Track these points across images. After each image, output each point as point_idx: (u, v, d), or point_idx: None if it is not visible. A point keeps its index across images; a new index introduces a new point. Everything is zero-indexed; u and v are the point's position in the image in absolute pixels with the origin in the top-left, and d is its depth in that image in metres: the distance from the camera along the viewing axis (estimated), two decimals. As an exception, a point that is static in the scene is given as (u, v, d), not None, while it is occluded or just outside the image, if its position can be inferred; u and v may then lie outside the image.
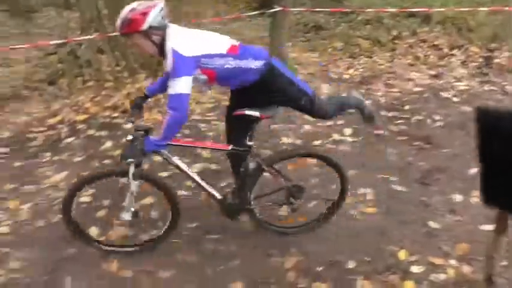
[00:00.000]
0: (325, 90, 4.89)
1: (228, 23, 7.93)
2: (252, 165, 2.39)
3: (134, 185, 2.22)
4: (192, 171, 2.39)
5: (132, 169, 2.16)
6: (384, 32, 6.79)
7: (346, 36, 6.74)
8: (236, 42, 2.17)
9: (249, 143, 2.32)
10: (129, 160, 2.12)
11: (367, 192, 3.06)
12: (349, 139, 3.88)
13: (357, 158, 3.54)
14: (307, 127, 4.07)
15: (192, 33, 2.13)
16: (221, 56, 2.07)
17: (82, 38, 5.15)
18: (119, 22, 2.02)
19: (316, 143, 3.79)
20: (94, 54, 5.31)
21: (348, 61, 5.99)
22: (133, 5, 2.04)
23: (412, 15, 7.00)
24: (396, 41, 6.56)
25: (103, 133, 3.92)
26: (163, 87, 2.36)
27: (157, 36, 2.05)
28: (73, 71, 5.24)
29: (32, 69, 5.71)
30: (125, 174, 2.20)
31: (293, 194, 2.52)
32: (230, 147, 2.36)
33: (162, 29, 2.04)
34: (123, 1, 5.16)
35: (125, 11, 2.01)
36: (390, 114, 4.37)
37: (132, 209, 2.28)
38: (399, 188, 3.13)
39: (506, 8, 6.29)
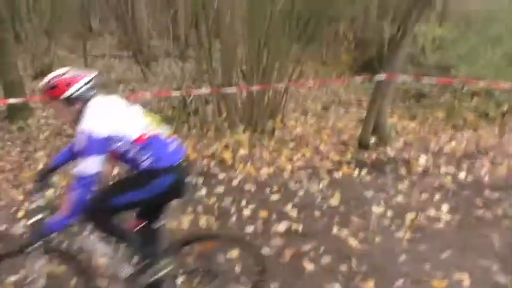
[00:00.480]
0: (422, 160, 4.70)
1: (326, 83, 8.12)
2: (155, 246, 2.24)
3: (42, 260, 2.16)
4: (103, 245, 2.22)
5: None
6: (493, 105, 6.42)
7: (450, 106, 6.50)
8: (150, 132, 2.07)
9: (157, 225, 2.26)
10: (38, 244, 2.09)
11: (464, 278, 2.81)
12: (446, 216, 3.63)
13: (454, 239, 3.29)
14: (400, 198, 3.93)
15: (112, 110, 2.08)
16: (128, 142, 2.03)
17: (197, 90, 5.64)
18: (42, 83, 2.05)
19: (409, 216, 3.61)
20: (202, 104, 5.81)
21: (450, 133, 5.72)
22: (63, 70, 2.07)
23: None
24: (507, 116, 6.14)
25: (199, 180, 4.17)
26: (71, 156, 2.29)
27: (77, 106, 2.05)
28: (181, 118, 5.76)
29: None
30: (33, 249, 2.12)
31: (204, 277, 2.35)
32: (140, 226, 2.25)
33: (83, 100, 2.04)
34: (235, 57, 5.70)
35: (51, 75, 2.05)
36: (495, 194, 4.03)
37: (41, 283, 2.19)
38: (502, 279, 2.82)
39: None
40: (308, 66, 8.45)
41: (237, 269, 2.75)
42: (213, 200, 3.76)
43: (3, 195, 3.87)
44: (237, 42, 6.04)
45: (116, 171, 3.89)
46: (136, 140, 2.03)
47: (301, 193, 3.95)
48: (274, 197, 3.87)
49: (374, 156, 4.77)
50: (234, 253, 2.82)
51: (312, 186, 4.07)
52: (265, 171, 4.33)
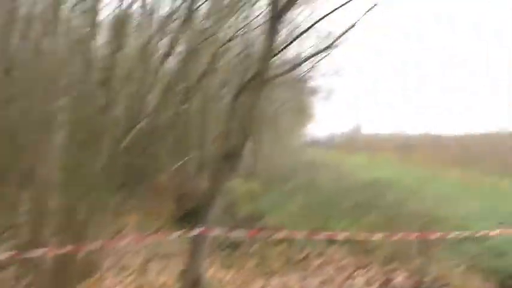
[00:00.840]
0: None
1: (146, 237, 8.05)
2: None
3: None
4: None
5: None
6: (296, 251, 7.30)
7: (261, 254, 7.13)
8: None
9: None
10: None
11: None
12: None
13: None
14: None
15: None
16: None
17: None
18: None
19: None
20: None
21: (262, 279, 6.18)
22: None
23: (321, 236, 7.71)
24: (307, 261, 7.02)
25: None
26: None
27: None
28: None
29: None
30: None
31: None
32: None
33: None
34: (46, 211, 5.30)
35: None
36: None
37: None
38: None
39: (398, 235, 7.23)
40: (129, 219, 8.37)
41: None
42: None
43: None
44: (50, 194, 5.73)
45: None
46: None
47: None
48: None
49: (194, 312, 4.76)
50: None
51: None
52: None
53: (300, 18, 9.07)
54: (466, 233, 7.97)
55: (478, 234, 8.14)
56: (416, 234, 6.71)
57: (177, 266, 6.52)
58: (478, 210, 11.32)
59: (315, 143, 52.46)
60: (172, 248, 7.62)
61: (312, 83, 10.79)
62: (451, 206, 10.23)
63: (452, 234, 7.71)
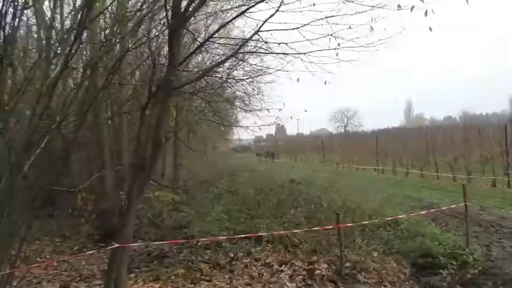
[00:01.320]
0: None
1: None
2: None
3: None
4: None
5: None
6: (222, 254, 7.35)
7: (187, 262, 7.08)
8: None
9: None
10: None
11: None
12: None
13: None
14: None
15: None
16: None
17: None
18: None
19: None
20: None
21: (190, 286, 6.14)
22: None
23: (246, 237, 7.83)
24: (234, 262, 7.09)
25: None
26: None
27: None
28: None
29: None
30: None
31: None
32: None
33: None
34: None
35: None
36: None
37: None
38: None
39: (318, 228, 7.60)
40: (42, 243, 7.85)
41: None
42: None
43: None
44: None
45: None
46: None
47: None
48: None
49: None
50: None
51: None
52: None
53: (211, 28, 9.11)
54: (378, 220, 8.66)
55: (388, 219, 8.88)
56: (332, 225, 7.11)
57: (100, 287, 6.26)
58: (389, 199, 12.26)
59: (240, 148, 53.02)
60: (94, 269, 7.30)
61: (230, 90, 10.86)
62: (364, 197, 10.93)
63: (366, 222, 8.32)
